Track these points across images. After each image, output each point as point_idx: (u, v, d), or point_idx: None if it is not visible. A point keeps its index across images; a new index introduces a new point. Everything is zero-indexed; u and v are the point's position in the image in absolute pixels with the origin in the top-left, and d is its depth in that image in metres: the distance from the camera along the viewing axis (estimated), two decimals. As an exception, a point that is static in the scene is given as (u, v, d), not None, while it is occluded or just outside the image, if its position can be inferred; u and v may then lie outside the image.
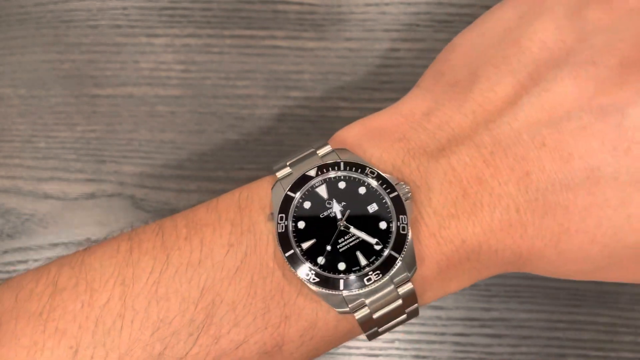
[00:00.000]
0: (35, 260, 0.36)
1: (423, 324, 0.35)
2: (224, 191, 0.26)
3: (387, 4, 0.38)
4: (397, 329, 0.35)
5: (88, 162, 0.36)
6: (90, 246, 0.25)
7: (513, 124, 0.23)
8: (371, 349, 0.35)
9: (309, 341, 0.24)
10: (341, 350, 0.35)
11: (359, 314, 0.23)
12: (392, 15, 0.37)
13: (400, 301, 0.23)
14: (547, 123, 0.23)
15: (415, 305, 0.24)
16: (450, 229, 0.24)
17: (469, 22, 0.28)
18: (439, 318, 0.35)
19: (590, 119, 0.22)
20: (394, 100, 0.28)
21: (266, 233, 0.24)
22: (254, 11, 0.38)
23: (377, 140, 0.25)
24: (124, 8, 0.38)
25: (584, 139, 0.22)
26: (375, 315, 0.23)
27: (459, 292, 0.35)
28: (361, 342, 0.35)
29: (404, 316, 0.24)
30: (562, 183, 0.23)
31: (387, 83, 0.37)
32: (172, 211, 0.34)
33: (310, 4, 0.38)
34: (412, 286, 0.23)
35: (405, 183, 0.24)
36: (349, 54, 0.37)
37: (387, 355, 0.35)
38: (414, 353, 0.35)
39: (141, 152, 0.36)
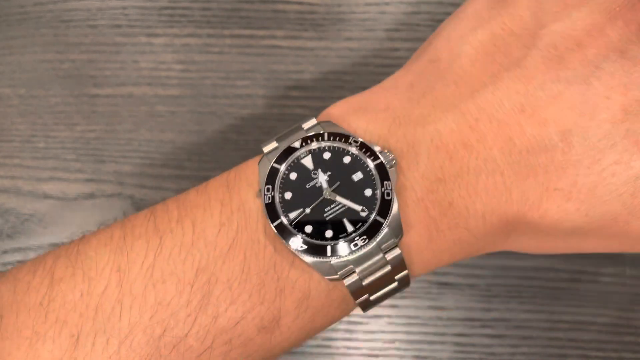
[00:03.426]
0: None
1: (423, 324, 0.35)
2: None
3: (387, 4, 0.38)
4: (397, 329, 0.35)
5: (87, 162, 0.36)
6: (84, 235, 0.26)
7: (495, 93, 0.26)
8: (371, 349, 0.35)
9: (304, 313, 0.24)
10: (341, 350, 0.35)
11: (348, 281, 0.24)
12: (392, 15, 0.37)
13: (389, 267, 0.24)
14: (524, 93, 0.25)
15: (405, 272, 0.25)
16: (438, 193, 0.25)
17: (470, 22, 0.29)
18: (439, 318, 0.35)
19: (560, 88, 0.25)
20: (394, 99, 0.28)
21: (255, 210, 0.24)
22: (253, 11, 0.38)
23: (361, 112, 0.26)
24: (124, 8, 0.38)
25: (556, 106, 0.25)
26: (364, 282, 0.24)
27: (460, 292, 0.35)
28: (361, 342, 0.35)
29: (394, 284, 0.25)
30: (541, 145, 0.25)
31: (387, 83, 0.37)
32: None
33: (310, 4, 0.38)
34: (399, 251, 0.24)
35: (390, 151, 0.25)
36: (349, 54, 0.37)
37: (387, 356, 0.35)
38: (414, 353, 0.35)
39: (141, 152, 0.36)
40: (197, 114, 0.37)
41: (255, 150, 0.36)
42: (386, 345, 0.35)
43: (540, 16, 0.27)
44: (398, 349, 0.35)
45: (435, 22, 0.37)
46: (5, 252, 0.36)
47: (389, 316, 0.35)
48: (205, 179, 0.36)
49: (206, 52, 0.37)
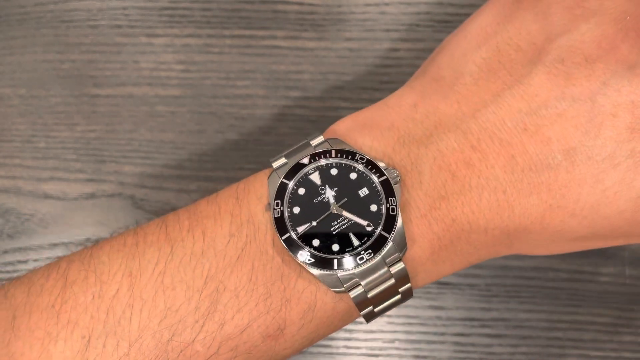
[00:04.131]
0: (35, 260, 0.36)
1: (423, 324, 0.35)
2: (224, 191, 0.27)
3: (387, 4, 0.38)
4: (397, 328, 0.35)
5: (88, 162, 0.36)
6: (97, 242, 0.26)
7: (498, 112, 0.26)
8: (371, 349, 0.35)
9: (309, 323, 0.25)
10: (341, 350, 0.35)
11: (353, 293, 0.24)
12: (392, 15, 0.38)
13: (392, 280, 0.25)
14: (527, 111, 0.25)
15: (408, 285, 0.25)
16: (441, 210, 0.25)
17: (469, 22, 0.29)
18: (439, 318, 0.35)
19: (564, 107, 0.25)
20: (394, 100, 0.28)
21: (264, 222, 0.25)
22: (254, 11, 0.38)
23: (367, 130, 0.27)
24: (124, 8, 0.38)
25: (560, 124, 0.25)
26: (369, 295, 0.25)
27: (459, 292, 0.35)
28: (361, 342, 0.35)
29: (398, 296, 0.25)
30: (544, 163, 0.25)
31: (387, 83, 0.37)
32: (173, 211, 0.34)
33: (310, 4, 0.38)
34: (403, 265, 0.25)
35: (395, 168, 0.25)
36: (349, 54, 0.37)
37: (387, 356, 0.35)
38: (414, 353, 0.35)
39: (141, 152, 0.36)
40: (197, 114, 0.37)
41: (255, 151, 0.36)
42: (386, 344, 0.35)
43: (548, 29, 0.27)
44: (398, 348, 0.35)
45: (435, 22, 0.37)
46: (5, 252, 0.36)
47: (388, 316, 0.35)
48: (206, 179, 0.36)
49: (206, 52, 0.37)
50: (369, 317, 0.26)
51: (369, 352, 0.35)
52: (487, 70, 0.27)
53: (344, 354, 0.35)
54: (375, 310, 0.25)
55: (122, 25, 0.38)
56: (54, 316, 0.24)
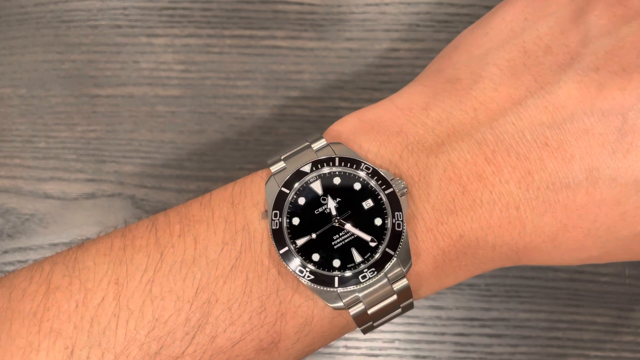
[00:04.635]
0: (35, 260, 0.36)
1: (423, 324, 0.35)
2: (223, 191, 0.26)
3: (387, 4, 0.38)
4: (397, 328, 0.35)
5: (88, 162, 0.36)
6: (83, 243, 0.25)
7: (517, 123, 0.24)
8: (371, 349, 0.35)
9: (305, 337, 0.24)
10: (341, 350, 0.35)
11: (353, 310, 0.23)
12: (392, 15, 0.37)
13: (395, 297, 0.23)
14: (550, 124, 0.23)
15: (410, 299, 0.24)
16: (448, 225, 0.24)
17: (469, 22, 0.28)
18: (439, 318, 0.35)
19: (592, 122, 0.23)
20: (394, 100, 0.28)
21: (260, 231, 0.23)
22: (254, 11, 0.38)
23: (373, 134, 0.25)
24: (124, 8, 0.38)
25: (585, 141, 0.23)
26: (370, 311, 0.23)
27: (459, 292, 0.35)
28: (361, 342, 0.35)
29: (398, 310, 0.24)
30: (563, 182, 0.23)
31: (387, 83, 0.37)
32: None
33: (310, 4, 0.38)
34: (407, 282, 0.23)
35: (402, 178, 0.24)
36: (349, 54, 0.37)
37: (387, 355, 0.35)
38: (413, 353, 0.35)
39: (141, 152, 0.36)
40: (197, 114, 0.37)
41: (255, 151, 0.36)
42: (386, 344, 0.35)
43: (584, 30, 0.24)
44: (398, 348, 0.35)
45: (435, 22, 0.37)
46: (5, 252, 0.36)
47: (388, 316, 0.35)
48: (206, 179, 0.36)
49: (206, 52, 0.37)
50: (367, 330, 0.24)
51: (369, 352, 0.35)
52: (509, 74, 0.24)
53: (344, 354, 0.35)
54: (375, 324, 0.24)
55: (122, 25, 0.38)
56: (36, 324, 0.22)
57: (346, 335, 0.35)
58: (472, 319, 0.35)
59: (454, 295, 0.35)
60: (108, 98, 0.37)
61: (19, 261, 0.36)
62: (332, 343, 0.35)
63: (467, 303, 0.35)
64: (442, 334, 0.35)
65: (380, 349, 0.35)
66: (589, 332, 0.34)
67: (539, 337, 0.35)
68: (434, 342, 0.35)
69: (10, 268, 0.36)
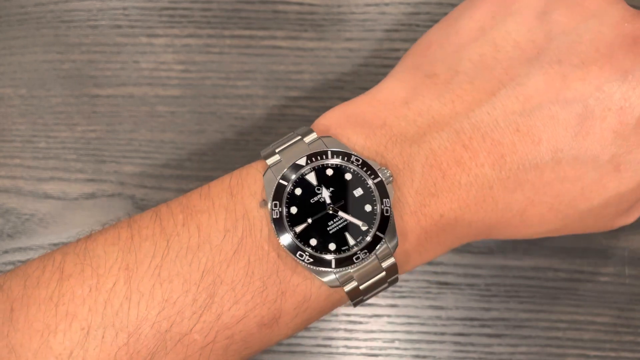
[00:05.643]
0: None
1: (423, 324, 0.35)
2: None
3: (387, 4, 0.38)
4: (397, 328, 0.35)
5: (88, 162, 0.36)
6: (90, 234, 0.26)
7: (492, 112, 0.26)
8: (371, 349, 0.35)
9: (303, 313, 0.26)
10: (341, 350, 0.35)
11: (348, 287, 0.26)
12: (392, 15, 0.38)
13: (383, 273, 0.26)
14: (521, 112, 0.26)
15: (396, 275, 0.26)
16: (430, 206, 0.26)
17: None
18: (438, 318, 0.35)
19: (557, 109, 0.26)
20: (394, 100, 0.28)
21: (259, 218, 0.25)
22: (254, 11, 0.38)
23: (359, 127, 0.27)
24: (124, 8, 0.38)
25: (551, 126, 0.26)
26: (361, 287, 0.26)
27: (459, 292, 0.35)
28: (361, 342, 0.35)
29: (385, 284, 0.27)
30: (532, 163, 0.26)
31: (387, 83, 0.37)
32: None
33: (310, 4, 0.38)
34: (394, 260, 0.26)
35: (387, 168, 0.26)
36: (349, 54, 0.37)
37: (387, 355, 0.35)
38: (413, 353, 0.35)
39: (141, 152, 0.36)
40: (197, 115, 0.37)
41: (255, 151, 0.36)
42: (386, 344, 0.35)
43: (548, 27, 0.27)
44: (397, 348, 0.35)
45: (435, 22, 0.37)
46: (6, 252, 0.36)
47: (388, 315, 0.35)
48: (206, 179, 0.36)
49: (206, 52, 0.37)
50: (358, 303, 0.27)
51: (369, 352, 0.35)
52: (482, 68, 0.27)
53: (344, 354, 0.35)
54: (364, 297, 0.27)
55: (122, 26, 0.38)
56: (52, 308, 0.24)
57: (346, 335, 0.35)
58: (472, 319, 0.35)
59: (454, 295, 0.35)
60: (108, 98, 0.37)
61: (19, 261, 0.36)
62: (332, 343, 0.35)
63: (467, 303, 0.35)
64: (442, 333, 0.35)
65: (380, 348, 0.35)
66: (589, 332, 0.35)
67: (538, 337, 0.35)
68: (433, 342, 0.35)
69: (10, 268, 0.36)
